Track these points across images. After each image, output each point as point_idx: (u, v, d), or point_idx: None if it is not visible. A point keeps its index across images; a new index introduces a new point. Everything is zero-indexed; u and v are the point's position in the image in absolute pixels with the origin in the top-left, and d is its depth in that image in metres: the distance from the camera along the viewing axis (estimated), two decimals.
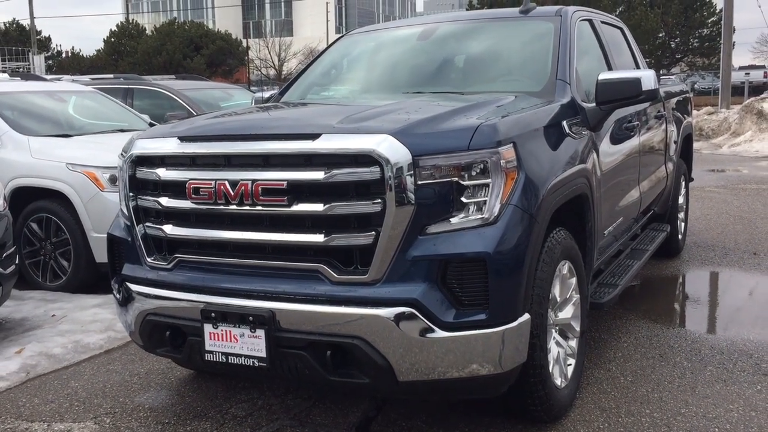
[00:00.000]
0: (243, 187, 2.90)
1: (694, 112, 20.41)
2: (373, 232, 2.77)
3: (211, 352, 3.01)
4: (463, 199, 2.81)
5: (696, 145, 16.82)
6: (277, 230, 2.93)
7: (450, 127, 2.93)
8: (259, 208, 2.91)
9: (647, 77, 3.81)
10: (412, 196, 2.75)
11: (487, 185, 2.83)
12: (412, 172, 2.75)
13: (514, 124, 3.08)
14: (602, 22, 4.96)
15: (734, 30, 29.33)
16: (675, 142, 6.01)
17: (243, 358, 2.95)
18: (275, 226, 2.93)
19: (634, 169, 4.69)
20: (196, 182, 3.02)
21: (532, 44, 4.35)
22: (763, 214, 8.28)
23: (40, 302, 5.58)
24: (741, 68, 44.81)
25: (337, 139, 2.85)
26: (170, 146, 3.17)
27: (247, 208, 2.93)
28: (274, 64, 60.94)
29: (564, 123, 3.55)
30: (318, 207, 2.82)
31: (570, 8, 4.45)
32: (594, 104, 3.90)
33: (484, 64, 4.38)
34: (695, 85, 42.70)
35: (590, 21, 4.68)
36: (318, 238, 2.84)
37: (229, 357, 2.98)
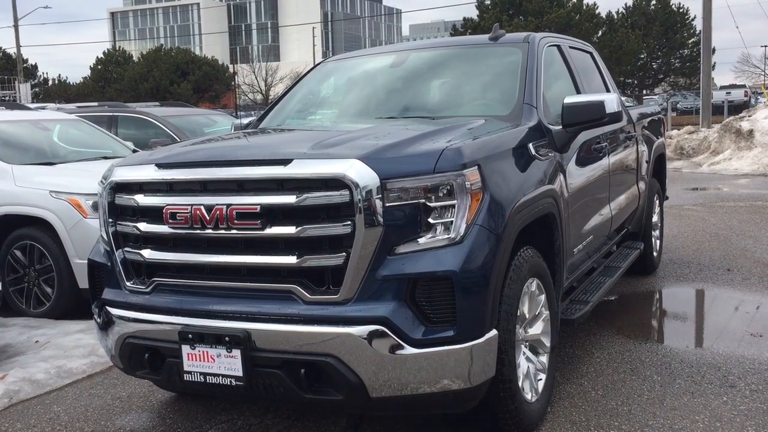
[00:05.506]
0: (218, 212, 3.00)
1: (675, 131, 20.72)
2: (344, 253, 2.88)
3: (189, 372, 3.10)
4: (430, 220, 2.92)
5: (677, 164, 17.17)
6: (252, 253, 3.03)
7: (416, 151, 3.05)
8: (234, 231, 3.01)
9: (610, 100, 3.95)
10: (380, 218, 2.86)
11: (452, 206, 2.94)
12: (380, 195, 2.86)
13: (479, 147, 3.20)
14: (571, 47, 5.11)
15: (714, 50, 29.89)
16: (647, 162, 6.16)
17: (220, 377, 3.04)
18: (250, 248, 3.03)
19: (603, 189, 4.82)
20: (173, 207, 3.12)
21: (500, 70, 4.50)
22: (738, 231, 8.44)
23: (23, 329, 5.62)
24: (722, 88, 45.52)
25: (308, 164, 2.96)
26: (148, 173, 3.27)
27: (223, 231, 3.03)
28: (260, 89, 61.27)
29: (530, 145, 3.67)
30: (290, 230, 2.92)
31: (538, 35, 4.60)
32: (561, 127, 4.03)
33: (455, 90, 4.52)
34: (677, 105, 43.29)
35: (558, 46, 4.84)
36: (291, 259, 2.94)
37: (207, 377, 3.06)
